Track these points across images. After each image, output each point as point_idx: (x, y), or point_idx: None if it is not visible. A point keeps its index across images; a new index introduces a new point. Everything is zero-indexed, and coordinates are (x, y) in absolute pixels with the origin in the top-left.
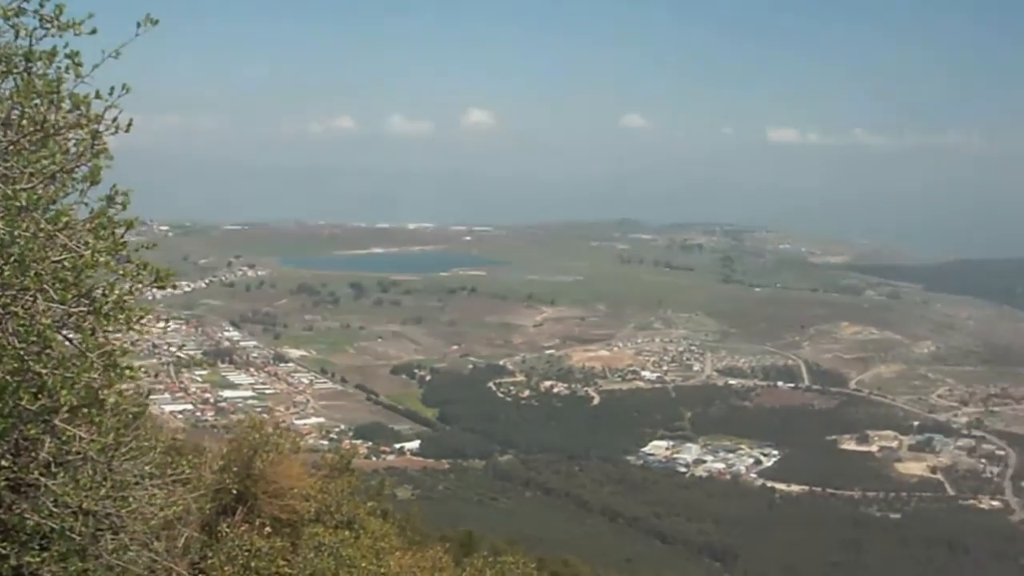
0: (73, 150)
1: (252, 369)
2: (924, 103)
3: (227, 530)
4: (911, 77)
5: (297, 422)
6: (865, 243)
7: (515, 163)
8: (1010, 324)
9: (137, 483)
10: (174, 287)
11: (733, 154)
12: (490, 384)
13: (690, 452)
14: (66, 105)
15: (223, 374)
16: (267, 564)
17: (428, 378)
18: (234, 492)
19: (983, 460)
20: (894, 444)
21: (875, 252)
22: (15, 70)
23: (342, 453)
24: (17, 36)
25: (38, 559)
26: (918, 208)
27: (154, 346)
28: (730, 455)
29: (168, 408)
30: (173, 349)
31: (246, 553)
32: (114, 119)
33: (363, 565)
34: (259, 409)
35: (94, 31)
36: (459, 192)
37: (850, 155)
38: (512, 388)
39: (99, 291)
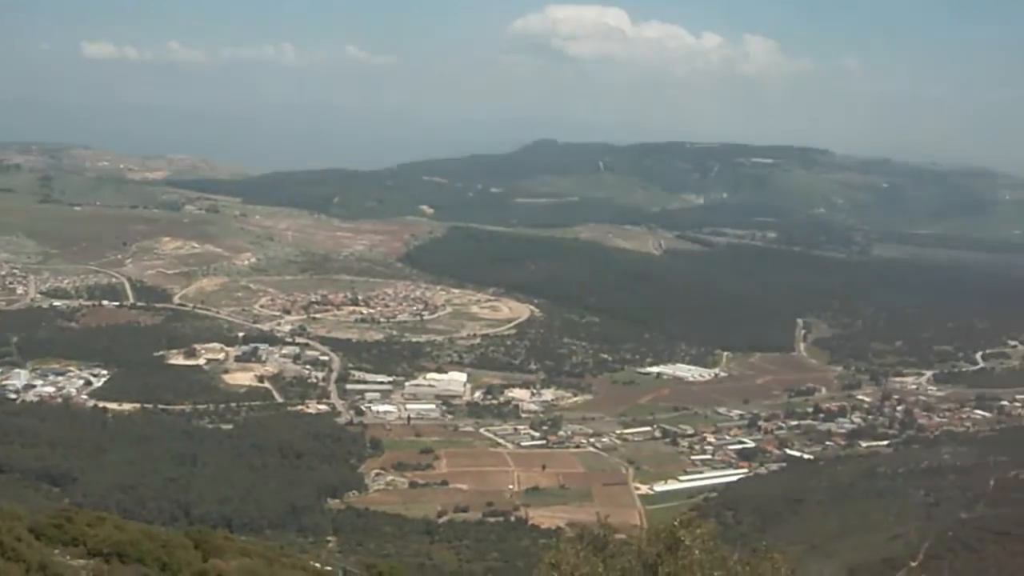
0: None
1: None
2: (236, 16)
3: None
4: None
5: None
6: (183, 158)
7: None
8: (326, 233)
9: None
10: None
11: (48, 70)
12: None
13: (19, 378)
14: None
15: None
16: None
17: None
18: None
19: (308, 366)
20: (221, 356)
21: (192, 167)
22: None
23: None
24: None
25: None
26: (234, 122)
27: None
28: (60, 378)
29: None
30: None
31: None
32: None
33: None
34: None
35: None
36: None
37: (168, 70)
38: None
39: None
